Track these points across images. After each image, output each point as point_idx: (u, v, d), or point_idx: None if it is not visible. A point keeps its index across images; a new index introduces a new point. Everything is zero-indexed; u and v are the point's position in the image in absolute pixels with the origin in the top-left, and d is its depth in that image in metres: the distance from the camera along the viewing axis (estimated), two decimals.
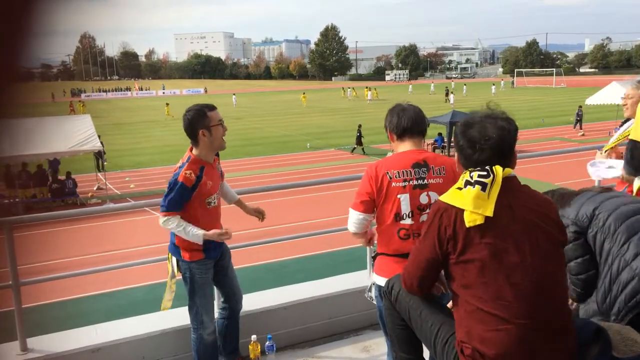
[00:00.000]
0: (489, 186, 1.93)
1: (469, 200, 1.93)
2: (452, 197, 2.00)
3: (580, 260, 2.52)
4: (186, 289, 3.41)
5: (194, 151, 3.29)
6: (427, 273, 2.12)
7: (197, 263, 3.34)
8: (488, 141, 1.97)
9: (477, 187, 1.93)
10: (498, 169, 1.95)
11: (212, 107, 3.28)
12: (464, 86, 60.48)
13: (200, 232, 3.19)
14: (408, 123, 2.70)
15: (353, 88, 62.51)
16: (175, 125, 37.84)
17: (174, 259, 3.37)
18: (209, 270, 3.42)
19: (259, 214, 3.76)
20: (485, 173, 1.95)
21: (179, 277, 3.41)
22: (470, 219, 1.92)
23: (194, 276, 3.36)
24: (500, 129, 1.99)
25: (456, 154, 2.13)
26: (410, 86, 70.94)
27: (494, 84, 61.21)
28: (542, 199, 2.07)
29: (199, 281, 3.37)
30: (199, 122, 3.21)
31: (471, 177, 1.96)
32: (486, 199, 1.92)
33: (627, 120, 3.84)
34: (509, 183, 1.98)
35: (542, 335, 1.89)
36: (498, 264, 1.90)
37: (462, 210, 1.94)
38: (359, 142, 23.56)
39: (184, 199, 3.20)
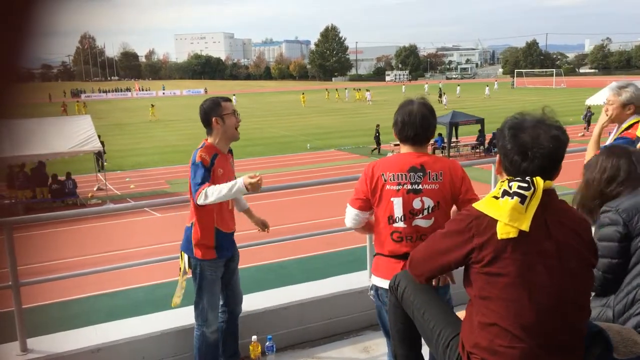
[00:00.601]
0: (528, 199, 1.81)
1: (506, 211, 1.81)
2: (487, 205, 1.88)
3: (615, 262, 2.41)
4: (195, 285, 3.44)
5: (209, 139, 3.43)
6: (437, 270, 2.10)
7: (209, 262, 3.39)
8: (541, 149, 1.84)
9: (516, 198, 1.81)
10: (539, 181, 1.84)
11: (226, 99, 3.51)
12: (458, 87, 60.00)
13: (239, 180, 3.19)
14: (410, 133, 2.64)
15: (337, 90, 62.07)
16: (173, 126, 37.88)
17: (186, 256, 3.43)
18: (219, 268, 3.47)
19: (264, 227, 3.87)
20: (526, 185, 1.83)
21: (189, 275, 3.45)
22: (504, 231, 1.82)
23: (204, 273, 3.40)
24: (555, 139, 1.85)
25: (498, 157, 1.99)
26: (404, 87, 70.00)
27: (487, 85, 60.57)
28: (577, 216, 1.98)
29: (209, 278, 3.41)
30: (213, 110, 3.39)
31: (510, 187, 1.84)
32: (524, 212, 1.81)
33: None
34: (548, 197, 1.87)
35: (556, 354, 1.86)
36: (524, 283, 1.82)
37: (496, 221, 1.84)
38: (378, 141, 23.57)
39: (207, 173, 3.28)
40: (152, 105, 45.69)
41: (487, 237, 1.85)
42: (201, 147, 3.35)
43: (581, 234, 1.91)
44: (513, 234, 1.81)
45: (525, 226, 1.80)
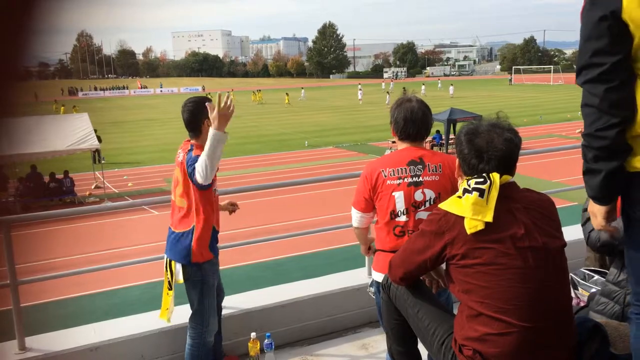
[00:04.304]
0: (486, 192, 1.93)
1: (468, 207, 1.93)
2: (452, 205, 2.00)
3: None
4: (194, 293, 3.28)
5: (196, 141, 3.24)
6: (415, 270, 2.16)
7: (209, 264, 3.27)
8: (496, 152, 1.98)
9: (475, 193, 1.94)
10: (495, 175, 1.96)
11: (208, 99, 3.28)
12: (423, 85, 57.52)
13: (210, 130, 2.93)
14: (413, 131, 2.66)
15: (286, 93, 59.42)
16: (171, 123, 37.81)
17: (178, 265, 3.23)
18: (217, 269, 3.38)
19: (233, 207, 3.70)
20: (482, 180, 1.96)
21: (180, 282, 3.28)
22: (471, 226, 1.92)
23: (206, 278, 3.26)
24: (508, 141, 2.00)
25: (457, 161, 2.11)
26: (359, 85, 64.02)
27: (452, 84, 58.29)
28: (541, 199, 2.08)
29: (210, 282, 3.29)
30: (202, 112, 3.19)
31: (469, 185, 1.97)
32: (485, 205, 1.92)
33: None
34: (509, 189, 1.99)
35: (544, 337, 1.89)
36: (500, 269, 1.89)
37: (462, 218, 1.95)
38: None
39: None
40: (63, 106, 40.47)
41: (456, 232, 1.95)
42: (192, 148, 3.17)
43: (548, 215, 2.02)
44: (480, 226, 1.91)
45: (489, 217, 1.90)
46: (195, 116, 3.21)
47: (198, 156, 3.05)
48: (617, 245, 2.55)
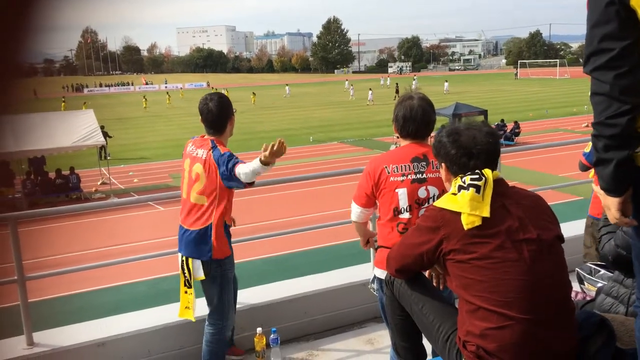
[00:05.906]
0: (482, 188, 1.97)
1: (465, 203, 1.96)
2: (447, 202, 2.03)
3: (632, 242, 2.45)
4: (214, 290, 3.28)
5: (217, 138, 3.24)
6: (411, 264, 2.18)
7: (229, 259, 3.28)
8: (483, 146, 2.05)
9: (472, 189, 1.97)
10: (487, 171, 2.02)
11: (224, 96, 3.37)
12: (413, 81, 55.95)
13: (259, 163, 3.01)
14: (412, 129, 2.67)
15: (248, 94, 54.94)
16: (176, 119, 37.87)
17: (197, 262, 3.21)
18: (234, 263, 3.39)
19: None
20: (477, 176, 2.00)
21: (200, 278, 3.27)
22: (469, 221, 1.94)
23: (226, 274, 3.28)
24: (490, 134, 2.08)
25: (444, 166, 2.13)
26: (347, 82, 63.14)
27: (446, 80, 56.77)
28: (532, 194, 2.13)
29: (229, 277, 3.31)
30: (230, 107, 3.26)
31: (464, 182, 2.00)
32: (481, 200, 1.95)
33: None
34: (499, 185, 2.03)
35: (544, 329, 1.90)
36: (496, 262, 1.91)
37: (458, 214, 1.97)
38: None
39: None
40: (63, 102, 39.42)
41: (452, 227, 1.98)
42: (214, 144, 3.18)
43: (539, 209, 2.06)
44: (478, 221, 1.94)
45: (486, 212, 1.94)
46: (222, 115, 3.22)
47: (228, 153, 3.10)
48: (626, 256, 2.52)
